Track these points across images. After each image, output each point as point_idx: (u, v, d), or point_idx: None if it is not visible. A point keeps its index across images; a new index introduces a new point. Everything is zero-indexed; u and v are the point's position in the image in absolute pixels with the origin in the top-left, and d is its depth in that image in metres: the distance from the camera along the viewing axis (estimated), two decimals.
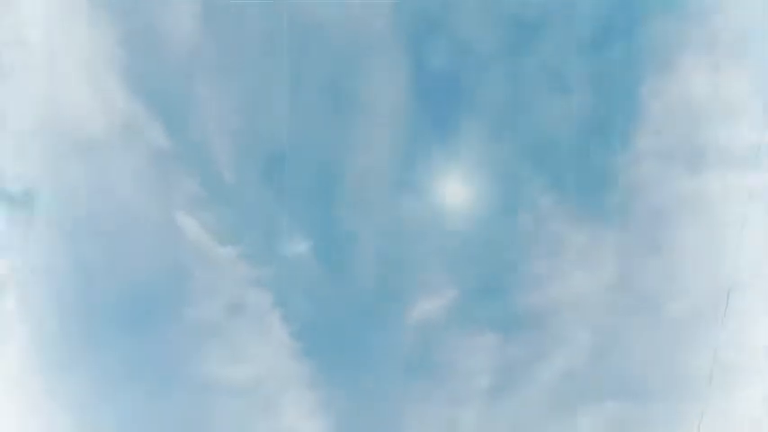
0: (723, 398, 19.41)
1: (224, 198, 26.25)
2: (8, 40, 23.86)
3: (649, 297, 23.86)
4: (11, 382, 23.88)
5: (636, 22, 24.72)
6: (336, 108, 25.91)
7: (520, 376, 24.78)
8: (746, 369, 19.44)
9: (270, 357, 24.90)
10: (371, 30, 25.21)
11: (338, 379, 25.09)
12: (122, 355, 24.92)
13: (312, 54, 25.40)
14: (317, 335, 25.16)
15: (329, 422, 24.65)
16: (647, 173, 25.05)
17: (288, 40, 24.55)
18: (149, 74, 25.08)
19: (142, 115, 25.17)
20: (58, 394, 24.02)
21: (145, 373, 24.70)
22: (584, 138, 25.70)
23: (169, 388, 24.61)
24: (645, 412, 23.01)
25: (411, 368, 25.13)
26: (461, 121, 25.64)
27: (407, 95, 25.67)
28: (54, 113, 24.79)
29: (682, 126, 24.87)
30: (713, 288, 22.09)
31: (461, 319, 25.17)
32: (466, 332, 25.18)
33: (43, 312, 24.93)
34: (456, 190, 25.43)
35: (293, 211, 26.24)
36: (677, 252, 23.87)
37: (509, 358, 24.87)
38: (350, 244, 26.19)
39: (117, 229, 25.66)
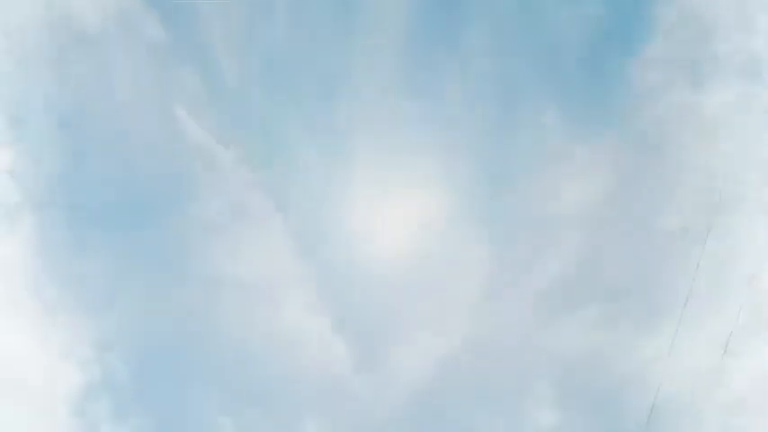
0: (702, 313, 20.25)
1: (225, 99, 26.17)
2: None
3: (642, 211, 24.32)
4: (18, 275, 24.64)
5: None
6: (338, 10, 25.30)
7: (511, 283, 25.69)
8: (727, 287, 20.16)
9: (272, 257, 25.63)
10: None
11: (336, 278, 25.95)
12: (127, 250, 25.55)
13: None
14: (315, 236, 25.82)
15: (328, 321, 25.76)
16: (652, 83, 24.80)
17: None
18: None
19: (138, 8, 24.60)
20: (64, 287, 24.86)
21: (150, 268, 25.45)
22: (591, 45, 25.25)
23: (174, 282, 25.43)
24: (627, 318, 24.04)
25: (407, 271, 25.92)
26: (463, 31, 25.11)
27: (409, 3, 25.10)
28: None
29: (692, 36, 24.35)
30: (706, 204, 22.48)
31: (457, 228, 25.77)
32: (461, 242, 25.86)
33: (49, 206, 25.36)
34: (456, 98, 25.39)
35: (295, 114, 26.23)
36: (674, 167, 24.06)
37: (502, 266, 25.70)
38: (351, 145, 26.30)
39: (117, 126, 25.66)
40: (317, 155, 26.26)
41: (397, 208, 26.13)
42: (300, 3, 25.26)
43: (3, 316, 24.21)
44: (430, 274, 26.15)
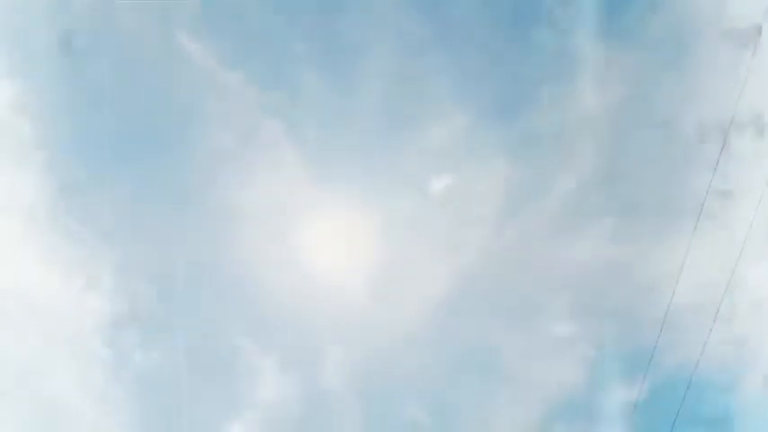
0: (719, 219, 20.00)
1: (225, 18, 25.35)
2: None
3: (660, 117, 23.71)
4: (36, 209, 24.87)
5: None
6: None
7: (526, 199, 25.48)
8: (746, 191, 19.78)
9: (284, 184, 25.54)
10: None
11: (353, 203, 25.87)
12: (137, 182, 25.59)
13: None
14: (329, 161, 25.54)
15: (345, 246, 25.83)
16: None
17: None
18: None
19: None
20: (83, 220, 25.12)
21: (164, 199, 25.53)
22: None
23: (189, 212, 25.58)
24: (644, 228, 23.91)
25: (419, 190, 25.79)
26: None
27: None
28: None
29: None
30: (726, 108, 21.80)
31: (471, 144, 25.34)
32: (475, 157, 25.50)
33: (59, 138, 25.26)
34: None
35: (302, 30, 25.43)
36: (696, 70, 23.22)
37: (517, 179, 25.41)
38: (361, 64, 25.59)
39: (118, 48, 25.09)
40: (328, 73, 25.61)
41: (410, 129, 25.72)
42: None
43: (25, 251, 24.63)
44: (445, 190, 25.98)
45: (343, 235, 25.85)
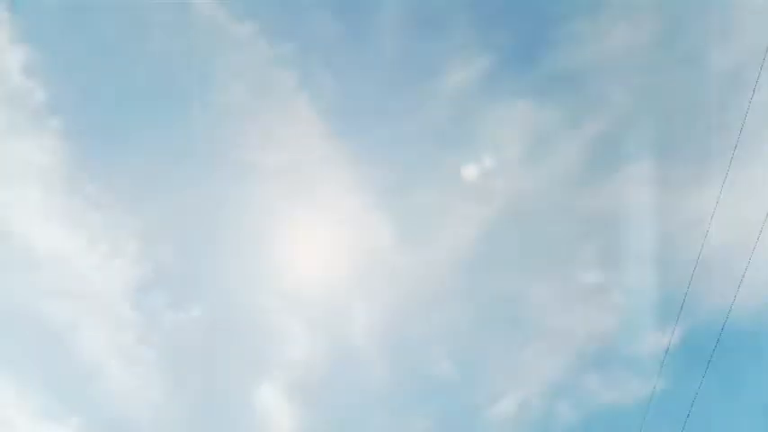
0: (753, 159, 18.99)
1: None
2: None
3: (691, 54, 22.50)
4: (54, 175, 24.89)
5: None
6: None
7: (552, 144, 24.64)
8: None
9: (301, 139, 25.07)
10: None
11: (373, 155, 25.35)
12: (153, 142, 25.35)
13: None
14: (346, 112, 24.94)
15: (367, 200, 25.47)
16: None
17: None
18: None
19: None
20: (97, 185, 25.11)
21: (179, 159, 25.34)
22: None
23: (204, 173, 25.35)
24: (675, 171, 22.98)
25: (445, 138, 25.09)
26: None
27: None
28: None
29: None
30: (760, 43, 20.51)
31: (493, 89, 24.47)
32: (498, 100, 24.65)
33: (72, 102, 25.09)
34: None
35: None
36: (727, 3, 21.86)
37: (544, 122, 24.54)
38: (376, 10, 24.72)
39: (129, 6, 24.60)
40: (341, 21, 24.80)
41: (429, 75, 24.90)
42: None
43: (47, 218, 24.76)
44: (467, 137, 25.26)
45: (364, 188, 25.46)
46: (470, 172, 25.26)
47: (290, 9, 24.68)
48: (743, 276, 12.33)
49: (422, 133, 25.50)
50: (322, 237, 25.76)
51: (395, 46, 24.89)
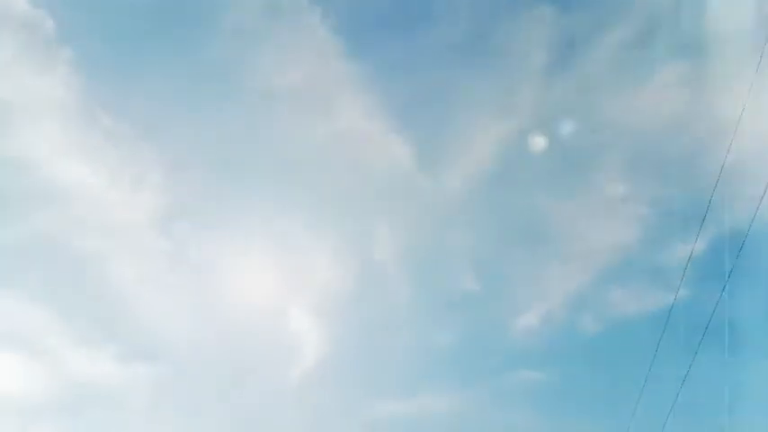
0: None
1: None
2: None
3: None
4: (70, 109, 24.86)
5: None
6: None
7: (576, 51, 23.78)
8: None
9: (315, 59, 24.52)
10: None
11: (389, 74, 24.80)
12: (165, 72, 25.04)
13: None
14: (359, 30, 24.24)
15: (388, 123, 25.09)
16: None
17: None
18: None
19: None
20: (113, 116, 25.05)
21: (192, 88, 25.09)
22: None
23: (219, 99, 25.10)
24: (700, 79, 22.09)
25: (464, 51, 24.35)
26: None
27: None
28: None
29: None
30: None
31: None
32: (521, 8, 23.72)
33: (83, 31, 24.73)
34: None
35: None
36: None
37: (565, 30, 23.64)
38: None
39: None
40: None
41: None
42: None
43: (66, 152, 24.92)
44: (491, 50, 24.51)
45: (383, 107, 25.07)
46: (490, 85, 24.69)
47: None
48: None
49: (439, 45, 24.82)
50: (343, 159, 25.67)
51: None
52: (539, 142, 24.81)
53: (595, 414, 23.66)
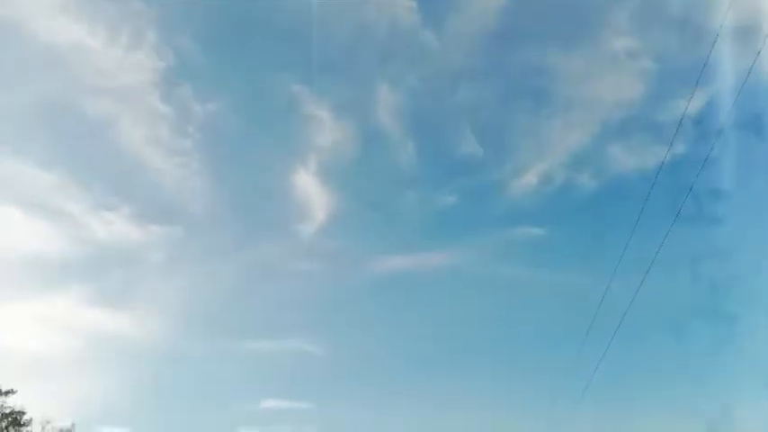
0: None
1: None
2: None
3: None
4: None
5: None
6: None
7: None
8: None
9: None
10: None
11: None
12: None
13: None
14: None
15: None
16: None
17: None
18: None
19: None
20: None
21: None
22: None
23: None
24: None
25: None
26: None
27: None
28: None
29: None
30: None
31: None
32: None
33: None
34: None
35: None
36: None
37: None
38: None
39: None
40: None
41: None
42: None
43: (63, 11, 24.28)
44: None
45: None
46: None
47: None
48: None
49: None
50: (343, 18, 25.06)
51: None
52: None
53: (586, 267, 24.64)
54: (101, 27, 24.83)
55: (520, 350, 26.27)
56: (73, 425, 21.29)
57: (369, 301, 28.61)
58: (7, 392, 20.43)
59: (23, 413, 20.52)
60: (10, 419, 20.28)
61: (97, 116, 26.56)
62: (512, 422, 22.51)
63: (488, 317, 26.43)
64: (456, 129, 26.26)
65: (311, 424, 24.37)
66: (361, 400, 25.55)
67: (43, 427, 20.84)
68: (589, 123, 25.31)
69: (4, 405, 20.22)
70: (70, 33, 24.58)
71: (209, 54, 26.09)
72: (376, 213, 28.19)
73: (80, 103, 26.55)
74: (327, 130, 26.69)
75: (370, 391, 26.61)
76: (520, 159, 26.25)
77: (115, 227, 27.67)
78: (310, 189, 27.69)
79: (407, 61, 25.86)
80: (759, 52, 12.34)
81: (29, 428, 20.55)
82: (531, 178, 25.90)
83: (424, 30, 25.14)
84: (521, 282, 26.32)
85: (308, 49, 25.26)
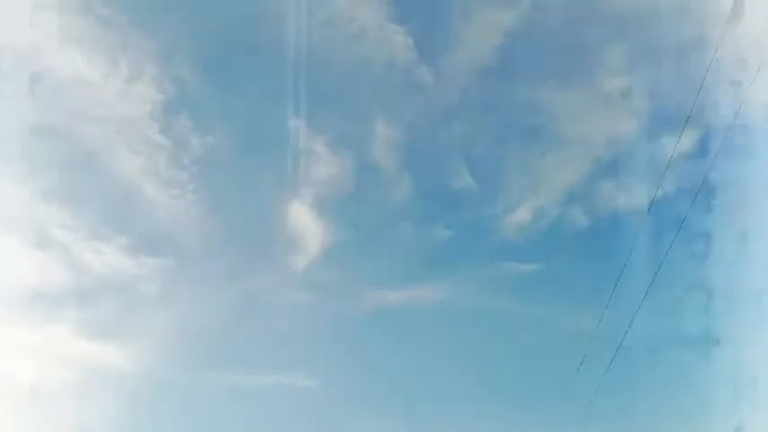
0: None
1: None
2: None
3: None
4: None
5: None
6: None
7: None
8: None
9: None
10: None
11: None
12: None
13: None
14: None
15: (384, 9, 24.57)
16: None
17: None
18: None
19: None
20: (108, 5, 24.58)
21: None
22: None
23: None
24: None
25: None
26: None
27: None
28: None
29: None
30: None
31: None
32: None
33: None
34: None
35: None
36: None
37: None
38: None
39: None
40: None
41: None
42: None
43: (63, 41, 24.61)
44: None
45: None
46: None
47: None
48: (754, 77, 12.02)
49: None
50: (338, 52, 25.40)
51: None
52: (539, 35, 24.49)
53: (578, 302, 24.65)
54: (100, 57, 25.14)
55: (514, 384, 26.15)
56: None
57: (364, 333, 28.40)
58: None
59: None
60: None
61: (94, 145, 26.64)
62: None
63: (483, 351, 26.31)
64: (451, 163, 26.48)
65: None
66: None
67: None
68: (582, 160, 25.53)
69: None
70: (69, 63, 24.87)
71: (208, 85, 26.38)
72: (371, 246, 28.19)
73: (78, 131, 26.59)
74: (323, 163, 26.87)
75: (365, 427, 26.41)
76: (514, 194, 26.40)
77: (108, 258, 27.61)
78: (305, 221, 27.77)
79: (403, 96, 26.13)
80: (750, 84, 12.55)
81: None
82: (524, 213, 26.04)
83: (420, 66, 25.48)
84: (515, 315, 26.30)
85: (305, 84, 25.56)
